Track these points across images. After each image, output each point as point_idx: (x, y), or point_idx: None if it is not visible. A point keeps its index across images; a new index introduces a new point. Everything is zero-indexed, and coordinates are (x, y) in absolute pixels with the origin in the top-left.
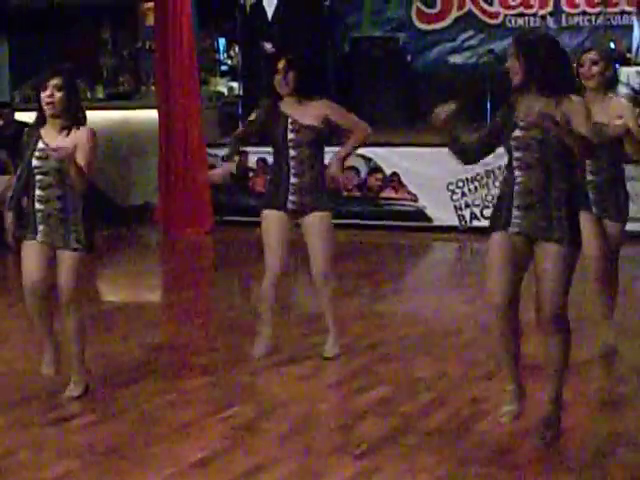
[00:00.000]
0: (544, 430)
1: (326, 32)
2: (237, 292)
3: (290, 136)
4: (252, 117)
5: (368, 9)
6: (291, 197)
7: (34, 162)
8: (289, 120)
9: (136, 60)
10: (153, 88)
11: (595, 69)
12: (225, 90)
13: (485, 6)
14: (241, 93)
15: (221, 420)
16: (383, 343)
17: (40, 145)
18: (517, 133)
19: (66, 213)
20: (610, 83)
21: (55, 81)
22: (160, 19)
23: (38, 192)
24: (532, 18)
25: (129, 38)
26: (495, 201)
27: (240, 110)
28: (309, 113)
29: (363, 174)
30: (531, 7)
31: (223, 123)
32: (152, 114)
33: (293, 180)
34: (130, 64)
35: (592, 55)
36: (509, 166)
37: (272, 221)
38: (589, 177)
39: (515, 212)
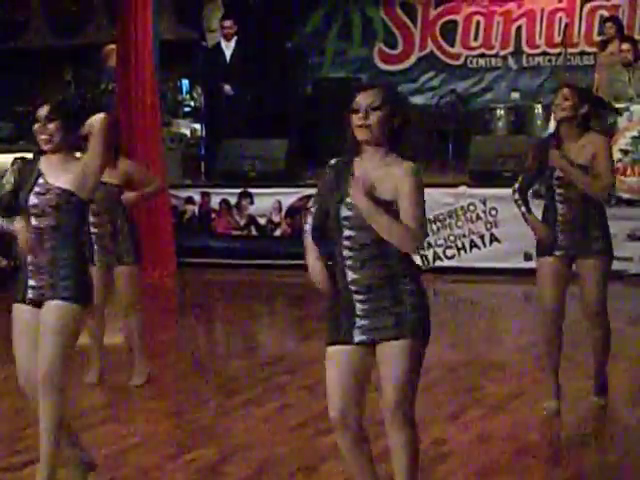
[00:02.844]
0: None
1: (288, 74)
2: (201, 334)
3: None
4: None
5: (331, 50)
6: None
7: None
8: None
9: (98, 101)
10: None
11: (566, 104)
12: (188, 132)
13: (446, 47)
14: (204, 134)
15: (183, 464)
16: None
17: None
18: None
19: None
20: (585, 122)
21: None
22: (122, 60)
23: None
24: (493, 59)
25: (91, 79)
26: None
27: (203, 151)
28: None
29: None
30: (492, 48)
31: (186, 164)
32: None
33: None
34: (92, 105)
35: (565, 91)
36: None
37: None
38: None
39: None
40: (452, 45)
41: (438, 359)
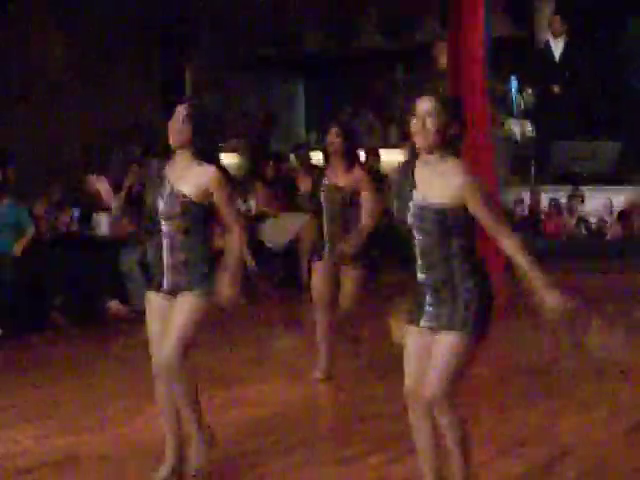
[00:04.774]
0: None
1: (620, 75)
2: (528, 334)
3: None
4: None
5: None
6: None
7: None
8: None
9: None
10: None
11: None
12: (518, 131)
13: None
14: (534, 134)
15: (512, 459)
16: None
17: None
18: None
19: None
20: None
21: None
22: (453, 60)
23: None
24: None
25: (422, 80)
26: None
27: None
28: None
29: None
30: None
31: (516, 164)
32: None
33: None
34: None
35: None
36: None
37: None
38: None
39: None
40: None
41: None
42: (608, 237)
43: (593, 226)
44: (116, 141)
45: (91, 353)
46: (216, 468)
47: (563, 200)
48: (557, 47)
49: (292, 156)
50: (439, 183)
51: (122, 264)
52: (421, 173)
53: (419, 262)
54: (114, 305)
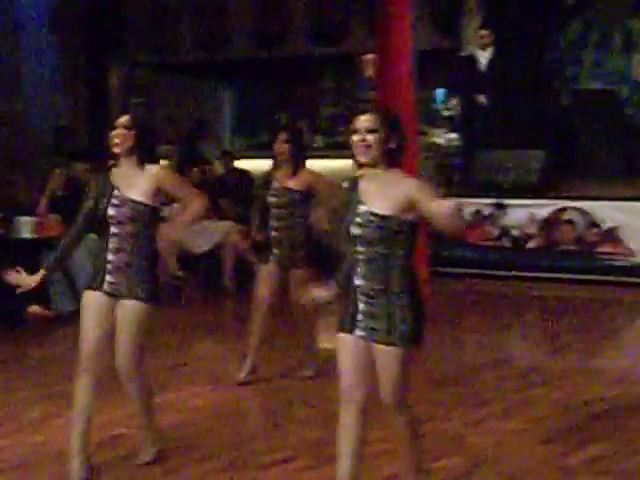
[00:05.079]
0: None
1: (545, 84)
2: (450, 343)
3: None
4: None
5: (588, 61)
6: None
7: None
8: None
9: (356, 110)
10: None
11: None
12: (443, 141)
13: None
14: (460, 144)
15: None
16: (598, 400)
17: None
18: None
19: None
20: None
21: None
22: (380, 70)
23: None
24: None
25: (350, 89)
26: None
27: (457, 161)
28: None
29: (580, 228)
30: None
31: (440, 174)
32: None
33: None
34: (349, 115)
35: None
36: None
37: None
38: None
39: None
40: None
41: None
42: (530, 247)
43: (515, 236)
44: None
45: (10, 357)
46: (136, 473)
47: (486, 210)
48: (484, 58)
49: (217, 162)
50: (385, 194)
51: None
52: (367, 186)
53: (359, 270)
54: (34, 309)
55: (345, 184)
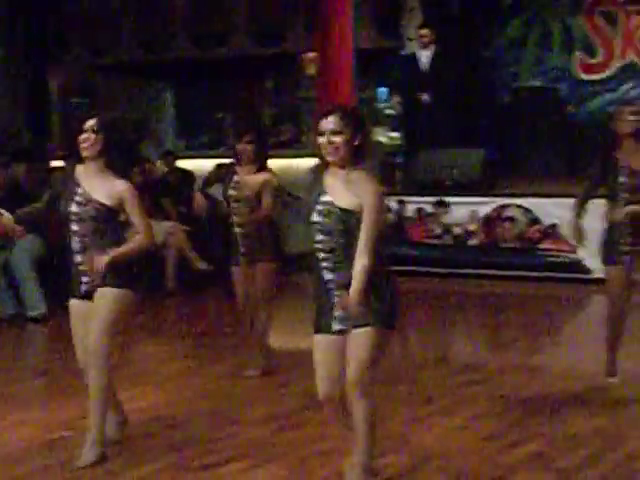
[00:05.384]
0: None
1: (485, 82)
2: (393, 342)
3: None
4: None
5: (529, 59)
6: None
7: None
8: None
9: (297, 109)
10: (313, 138)
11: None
12: (385, 139)
13: None
14: (402, 143)
15: (375, 469)
16: (539, 397)
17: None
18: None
19: None
20: None
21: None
22: (321, 69)
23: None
24: None
25: (291, 88)
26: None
27: (399, 159)
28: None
29: (521, 225)
30: None
31: (382, 172)
32: (312, 163)
33: None
34: (291, 113)
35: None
36: None
37: None
38: None
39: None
40: None
41: (633, 375)
42: (472, 244)
43: (458, 234)
44: None
45: None
46: (77, 475)
47: (429, 208)
48: (425, 57)
49: (159, 162)
50: (348, 190)
51: None
52: (332, 180)
53: (324, 264)
54: None
55: (311, 170)
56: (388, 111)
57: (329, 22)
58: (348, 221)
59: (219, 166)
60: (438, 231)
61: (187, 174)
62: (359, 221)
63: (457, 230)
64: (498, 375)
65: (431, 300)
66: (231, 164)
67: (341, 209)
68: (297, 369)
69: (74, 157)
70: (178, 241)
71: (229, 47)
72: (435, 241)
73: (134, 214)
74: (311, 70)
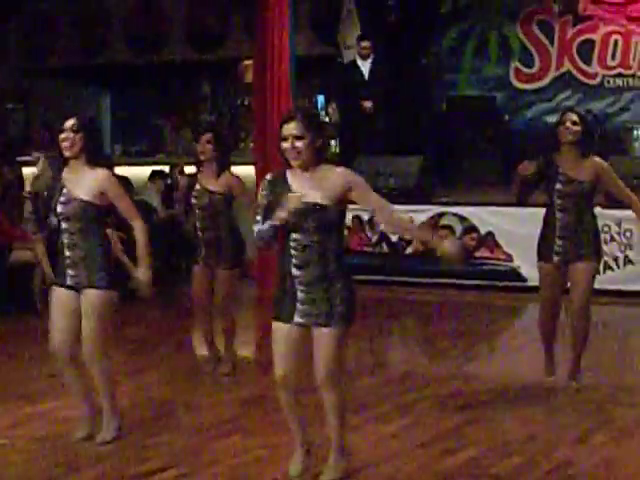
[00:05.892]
0: None
1: (423, 91)
2: None
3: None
4: None
5: (466, 68)
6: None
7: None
8: None
9: (234, 116)
10: (251, 145)
11: (574, 128)
12: None
13: (583, 66)
14: (338, 150)
15: (310, 478)
16: (473, 404)
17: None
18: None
19: None
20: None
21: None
22: (259, 76)
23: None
24: (631, 79)
25: (229, 94)
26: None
27: None
28: None
29: (458, 233)
30: (630, 67)
31: None
32: (249, 170)
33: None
34: (228, 120)
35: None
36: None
37: None
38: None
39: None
40: (589, 64)
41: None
42: (408, 252)
43: (394, 242)
44: None
45: None
46: None
47: (365, 216)
48: (365, 67)
49: None
50: (319, 186)
51: None
52: (299, 180)
53: (294, 260)
54: None
55: (268, 177)
56: (325, 119)
57: (268, 29)
58: (325, 217)
59: (189, 176)
60: (374, 239)
61: (123, 181)
62: (334, 215)
63: (393, 238)
64: (434, 382)
65: (367, 308)
66: (195, 174)
67: (318, 206)
68: (232, 377)
69: (57, 157)
70: (114, 248)
71: (166, 52)
72: (372, 249)
73: (119, 200)
74: (249, 77)
